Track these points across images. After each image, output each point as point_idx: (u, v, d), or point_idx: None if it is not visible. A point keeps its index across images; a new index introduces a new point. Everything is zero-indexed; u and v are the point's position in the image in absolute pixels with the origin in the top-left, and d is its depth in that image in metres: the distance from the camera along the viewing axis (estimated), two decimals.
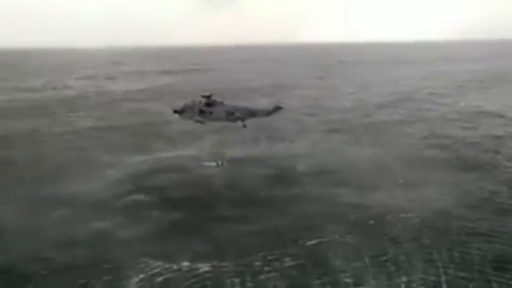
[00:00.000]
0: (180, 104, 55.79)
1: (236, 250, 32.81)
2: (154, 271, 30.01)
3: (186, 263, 30.90)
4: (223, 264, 30.87)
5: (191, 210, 40.76)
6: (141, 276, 29.39)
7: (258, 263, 30.93)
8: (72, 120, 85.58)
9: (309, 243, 33.87)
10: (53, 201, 42.48)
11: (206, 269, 30.22)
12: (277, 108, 52.45)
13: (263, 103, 77.86)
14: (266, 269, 30.30)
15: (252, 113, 52.71)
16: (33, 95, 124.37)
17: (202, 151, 59.93)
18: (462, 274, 28.90)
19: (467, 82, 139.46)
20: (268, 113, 52.73)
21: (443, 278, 28.55)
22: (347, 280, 28.79)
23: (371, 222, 37.15)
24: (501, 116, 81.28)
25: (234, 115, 52.29)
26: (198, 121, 53.49)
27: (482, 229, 35.21)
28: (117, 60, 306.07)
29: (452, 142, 63.48)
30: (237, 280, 28.92)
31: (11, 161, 56.41)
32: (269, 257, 31.78)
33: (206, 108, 52.53)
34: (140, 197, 44.71)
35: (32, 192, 44.75)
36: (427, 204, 40.07)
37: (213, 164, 54.74)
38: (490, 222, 36.34)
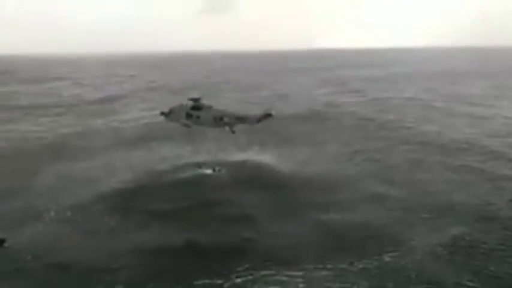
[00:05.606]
0: None
1: (227, 263, 32.28)
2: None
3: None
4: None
5: (186, 221, 40.13)
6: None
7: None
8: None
9: (300, 265, 31.87)
10: None
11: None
12: (267, 115, 50.31)
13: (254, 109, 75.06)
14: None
15: (241, 119, 50.52)
16: None
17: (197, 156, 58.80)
18: None
19: None
20: (258, 119, 50.56)
21: None
22: None
23: (369, 243, 35.19)
24: None
25: (222, 120, 50.15)
26: (185, 125, 51.35)
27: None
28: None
29: None
30: None
31: None
32: (255, 277, 30.13)
33: (193, 112, 50.43)
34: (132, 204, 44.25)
35: None
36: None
37: (210, 170, 52.90)
38: None
